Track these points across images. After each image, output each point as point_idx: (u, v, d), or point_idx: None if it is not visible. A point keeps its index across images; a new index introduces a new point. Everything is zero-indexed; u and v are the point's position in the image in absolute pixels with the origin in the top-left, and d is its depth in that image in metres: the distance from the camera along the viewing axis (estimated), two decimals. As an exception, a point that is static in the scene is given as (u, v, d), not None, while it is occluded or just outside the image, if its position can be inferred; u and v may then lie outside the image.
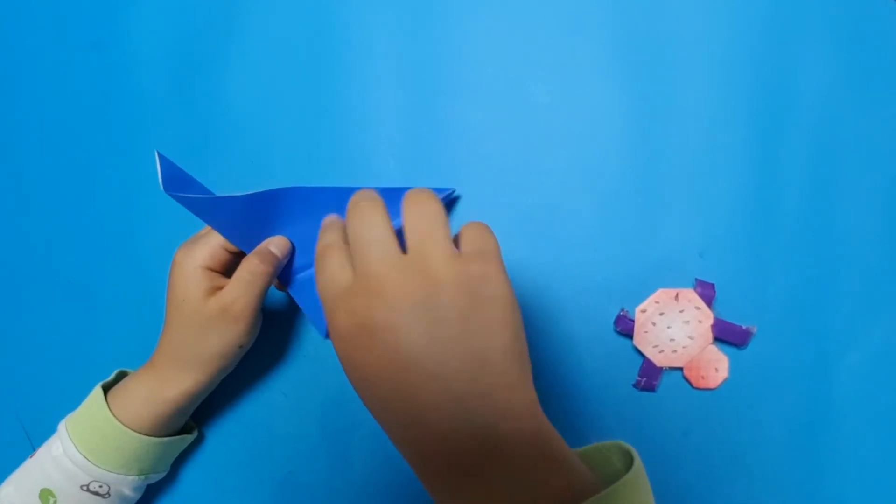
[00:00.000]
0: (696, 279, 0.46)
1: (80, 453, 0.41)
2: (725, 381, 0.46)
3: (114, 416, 0.41)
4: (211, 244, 0.42)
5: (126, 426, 0.41)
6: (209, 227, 0.43)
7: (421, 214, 0.31)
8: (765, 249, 0.47)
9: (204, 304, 0.41)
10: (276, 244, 0.43)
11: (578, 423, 0.47)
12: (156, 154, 0.39)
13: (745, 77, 0.47)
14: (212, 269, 0.42)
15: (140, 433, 0.42)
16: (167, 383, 0.42)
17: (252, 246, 0.44)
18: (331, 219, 0.36)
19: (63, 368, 0.50)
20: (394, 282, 0.29)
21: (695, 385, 0.46)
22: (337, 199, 0.41)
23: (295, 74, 0.50)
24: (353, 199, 0.33)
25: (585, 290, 0.47)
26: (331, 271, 0.32)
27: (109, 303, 0.50)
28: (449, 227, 0.31)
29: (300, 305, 0.46)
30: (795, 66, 0.47)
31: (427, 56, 0.49)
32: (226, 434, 0.49)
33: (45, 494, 0.41)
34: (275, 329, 0.49)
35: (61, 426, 0.42)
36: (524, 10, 0.49)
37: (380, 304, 0.29)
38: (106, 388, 0.44)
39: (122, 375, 0.46)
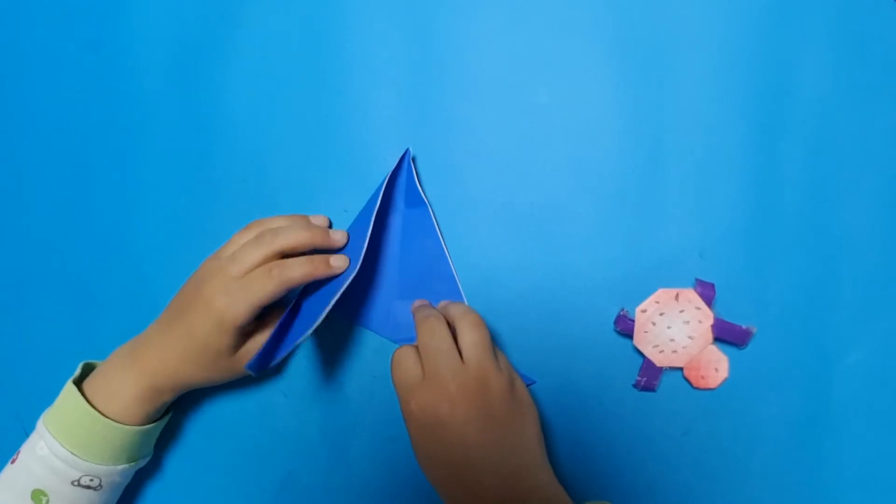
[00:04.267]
0: (696, 279, 0.46)
1: (67, 450, 0.41)
2: (725, 381, 0.46)
3: (98, 411, 0.41)
4: (256, 303, 0.41)
5: (113, 420, 0.42)
6: (246, 257, 0.42)
7: (477, 338, 0.40)
8: (765, 249, 0.47)
9: (230, 357, 0.43)
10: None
11: (578, 423, 0.47)
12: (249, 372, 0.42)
13: (745, 77, 0.47)
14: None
15: (127, 424, 0.42)
16: (163, 385, 0.43)
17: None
18: None
19: (63, 368, 0.50)
20: (458, 385, 0.38)
21: (695, 385, 0.46)
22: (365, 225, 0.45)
23: (295, 74, 0.50)
24: (422, 314, 0.42)
25: (585, 290, 0.47)
26: (405, 367, 0.41)
27: (109, 303, 0.50)
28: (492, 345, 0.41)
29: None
30: (795, 67, 0.47)
31: (427, 56, 0.49)
32: (226, 434, 0.49)
33: (38, 495, 0.41)
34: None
35: (40, 426, 0.42)
36: (524, 10, 0.49)
37: (445, 401, 0.38)
38: (78, 381, 0.43)
39: (88, 367, 0.45)
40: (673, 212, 0.47)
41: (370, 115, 0.49)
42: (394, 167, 0.47)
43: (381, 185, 0.46)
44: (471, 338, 0.40)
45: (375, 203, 0.45)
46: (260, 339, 0.44)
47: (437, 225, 0.48)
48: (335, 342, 0.49)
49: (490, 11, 0.49)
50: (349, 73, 0.50)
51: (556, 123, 0.48)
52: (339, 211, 0.49)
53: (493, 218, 0.48)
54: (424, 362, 0.40)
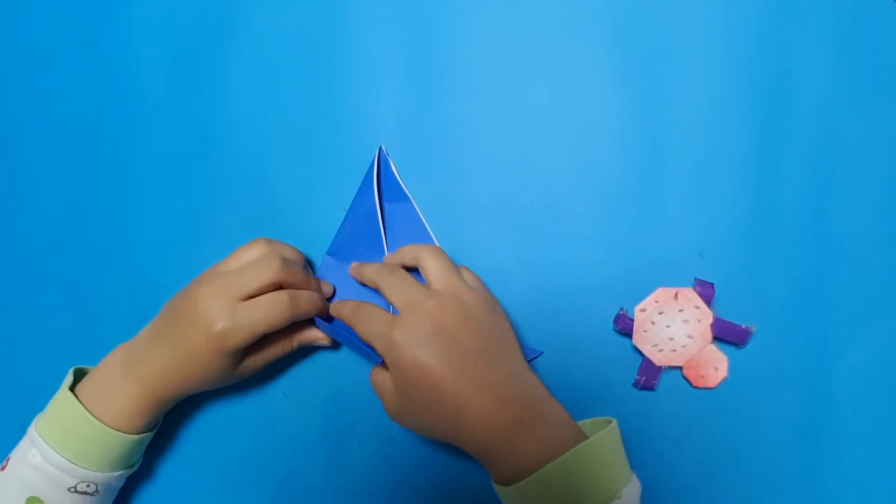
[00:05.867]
0: (696, 279, 0.46)
1: (64, 457, 0.40)
2: (725, 381, 0.46)
3: (97, 418, 0.41)
4: (259, 332, 0.41)
5: (112, 428, 0.41)
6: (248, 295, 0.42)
7: (440, 262, 0.41)
8: (765, 249, 0.47)
9: (230, 372, 0.43)
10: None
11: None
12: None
13: (745, 76, 0.47)
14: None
15: (126, 433, 0.42)
16: (163, 396, 0.42)
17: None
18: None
19: (63, 369, 0.50)
20: (436, 304, 0.39)
21: (694, 384, 0.46)
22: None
23: (295, 74, 0.50)
24: (372, 268, 0.44)
25: (585, 290, 0.47)
26: (374, 315, 0.40)
27: (109, 302, 0.50)
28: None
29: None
30: (795, 66, 0.47)
31: (427, 56, 0.49)
32: (226, 434, 0.49)
33: (33, 501, 0.40)
34: (275, 329, 0.49)
35: (33, 433, 0.41)
36: (524, 10, 0.49)
37: (427, 320, 0.38)
38: (71, 387, 0.43)
39: (79, 372, 0.44)
40: (673, 212, 0.47)
41: (370, 114, 0.49)
42: (368, 168, 0.48)
43: (360, 188, 0.47)
44: (434, 264, 0.41)
45: (365, 206, 0.45)
46: (263, 354, 0.44)
47: (423, 217, 0.48)
48: (335, 342, 0.49)
49: (490, 11, 0.49)
50: (349, 73, 0.50)
51: (556, 123, 0.48)
52: (339, 211, 0.49)
53: (494, 218, 0.48)
54: (395, 301, 0.40)
